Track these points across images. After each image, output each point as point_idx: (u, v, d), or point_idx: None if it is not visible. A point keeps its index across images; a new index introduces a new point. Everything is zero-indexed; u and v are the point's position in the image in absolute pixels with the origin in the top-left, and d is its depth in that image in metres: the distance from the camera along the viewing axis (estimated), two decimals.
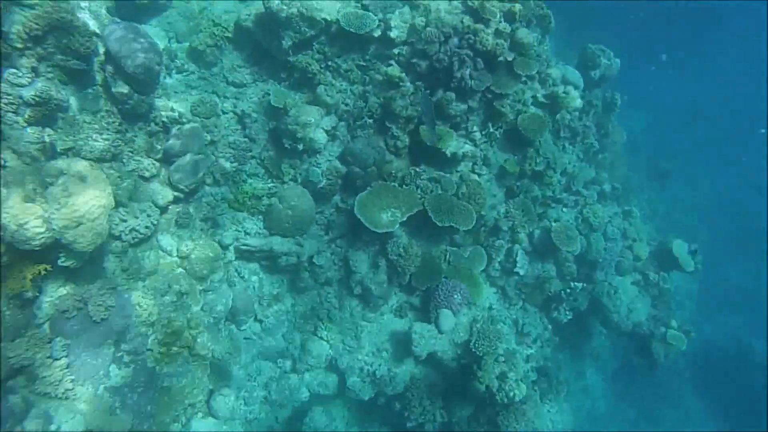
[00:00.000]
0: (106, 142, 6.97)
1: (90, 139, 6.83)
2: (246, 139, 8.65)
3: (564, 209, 10.92)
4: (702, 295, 17.63)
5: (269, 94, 8.68)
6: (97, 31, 7.11)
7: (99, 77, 7.16)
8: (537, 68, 8.88)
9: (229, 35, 9.13)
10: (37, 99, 6.19)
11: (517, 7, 8.44)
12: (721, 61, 34.15)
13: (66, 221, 5.18)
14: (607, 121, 12.09)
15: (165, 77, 8.80)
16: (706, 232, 19.50)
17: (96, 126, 6.91)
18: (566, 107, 9.86)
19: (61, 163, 5.59)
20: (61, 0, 6.95)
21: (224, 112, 8.76)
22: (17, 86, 6.22)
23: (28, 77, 6.32)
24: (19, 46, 6.36)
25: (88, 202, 5.33)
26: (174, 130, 7.27)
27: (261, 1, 8.49)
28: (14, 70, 6.25)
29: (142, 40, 6.85)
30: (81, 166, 5.55)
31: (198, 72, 9.13)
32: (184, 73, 9.04)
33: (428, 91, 8.48)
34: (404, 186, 8.57)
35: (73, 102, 6.90)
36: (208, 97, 8.60)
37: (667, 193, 19.24)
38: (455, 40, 8.30)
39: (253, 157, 8.66)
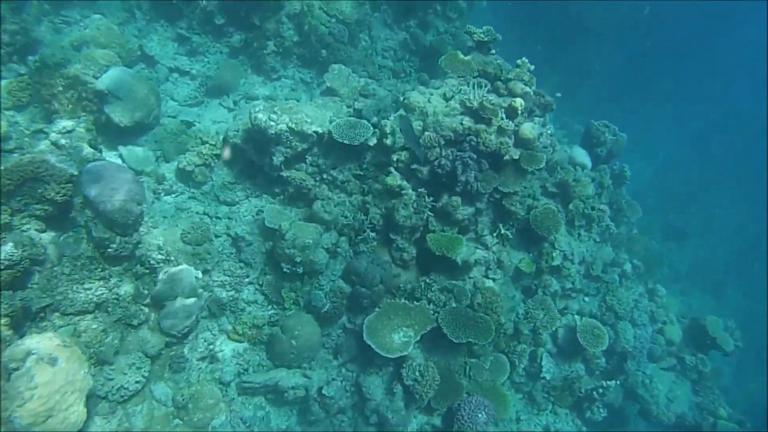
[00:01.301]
0: (88, 293, 6.40)
1: (70, 291, 6.26)
2: (242, 264, 8.08)
3: (586, 299, 10.21)
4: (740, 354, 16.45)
5: (263, 212, 8.18)
6: (75, 172, 6.65)
7: (80, 217, 6.67)
8: (545, 161, 8.34)
9: (218, 152, 8.72)
10: (7, 263, 5.66)
11: (519, 102, 8.00)
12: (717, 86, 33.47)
13: (32, 418, 4.53)
14: (620, 196, 11.52)
15: (153, 201, 8.36)
16: (733, 286, 18.61)
17: (76, 276, 6.36)
18: (579, 196, 9.30)
19: (28, 342, 4.97)
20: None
21: (217, 236, 8.23)
22: None
23: None
24: None
25: (59, 390, 4.69)
26: (162, 275, 6.69)
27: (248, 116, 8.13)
28: None
29: (120, 180, 6.37)
30: (51, 345, 4.93)
31: (188, 192, 8.70)
32: (174, 195, 8.60)
33: (427, 193, 7.98)
34: (415, 301, 7.91)
35: (51, 250, 6.38)
36: (199, 222, 8.08)
37: (686, 250, 18.43)
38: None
39: (250, 283, 8.06)
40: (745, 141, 29.11)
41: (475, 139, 7.73)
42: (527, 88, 8.32)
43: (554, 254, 9.06)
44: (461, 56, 8.80)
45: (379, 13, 11.94)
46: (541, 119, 9.37)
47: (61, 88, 8.12)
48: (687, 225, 19.23)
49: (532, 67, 8.97)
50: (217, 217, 8.46)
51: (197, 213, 8.46)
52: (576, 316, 9.75)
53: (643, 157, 23.88)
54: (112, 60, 9.23)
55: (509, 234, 8.55)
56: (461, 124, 7.78)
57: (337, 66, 9.39)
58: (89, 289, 6.40)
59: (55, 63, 8.74)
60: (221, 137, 8.79)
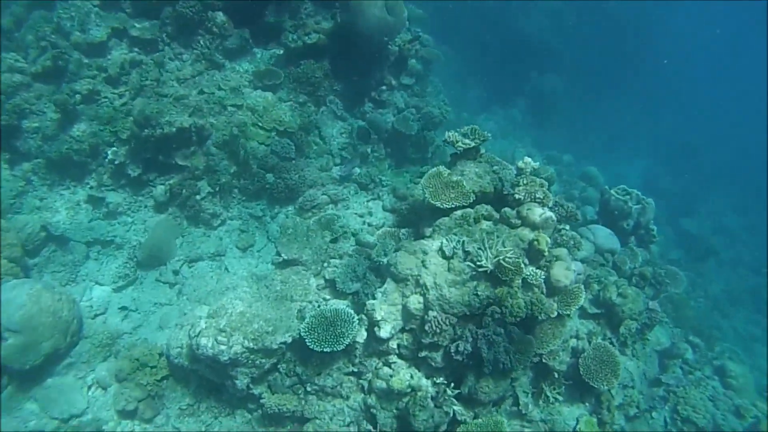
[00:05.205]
0: None
1: None
2: None
3: (653, 415, 8.29)
4: None
5: None
6: None
7: None
8: (584, 294, 6.37)
9: (165, 372, 6.63)
10: None
11: (543, 240, 6.00)
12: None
13: None
14: (656, 267, 9.59)
15: None
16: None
17: None
18: (629, 315, 7.35)
19: None
20: None
21: None
22: None
23: None
24: None
25: None
26: None
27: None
28: None
29: None
30: None
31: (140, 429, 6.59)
32: None
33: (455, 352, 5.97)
34: None
35: None
36: None
37: (709, 265, 16.52)
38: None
39: None
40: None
41: (498, 310, 5.73)
42: (546, 211, 6.33)
43: (614, 392, 7.12)
44: (446, 175, 6.77)
45: (325, 106, 9.89)
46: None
47: None
48: (701, 230, 17.49)
49: (537, 165, 7.04)
50: None
51: None
52: None
53: (623, 160, 22.37)
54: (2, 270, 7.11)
55: (558, 396, 6.58)
56: (476, 295, 5.75)
57: (290, 223, 7.28)
58: None
59: None
60: (162, 354, 6.68)
